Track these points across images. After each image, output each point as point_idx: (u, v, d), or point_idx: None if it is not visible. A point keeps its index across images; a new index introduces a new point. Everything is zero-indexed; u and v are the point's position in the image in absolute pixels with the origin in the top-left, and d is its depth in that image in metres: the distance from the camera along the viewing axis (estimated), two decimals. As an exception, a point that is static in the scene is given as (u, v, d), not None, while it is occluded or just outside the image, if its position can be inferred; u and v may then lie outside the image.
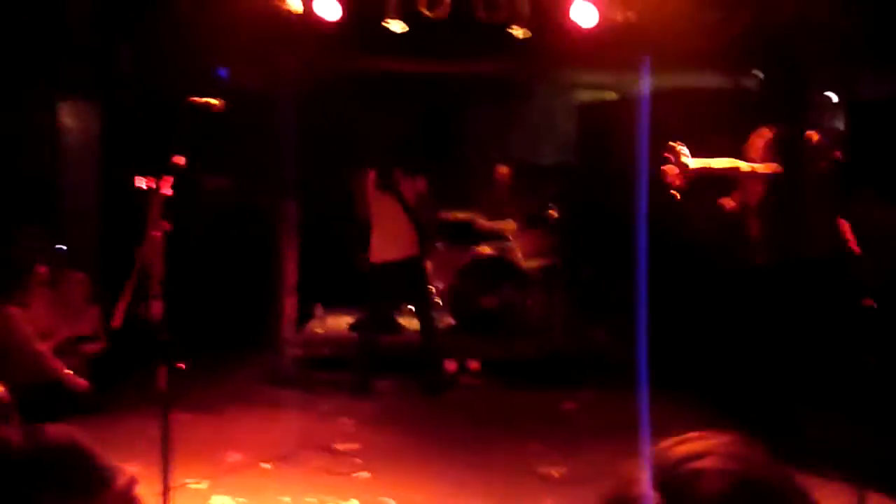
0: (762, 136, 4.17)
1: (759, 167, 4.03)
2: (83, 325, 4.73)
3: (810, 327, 4.24)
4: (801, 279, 3.97)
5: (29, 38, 5.24)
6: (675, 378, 4.52)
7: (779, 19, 5.78)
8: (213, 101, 2.82)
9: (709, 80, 6.83)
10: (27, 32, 5.24)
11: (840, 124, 6.22)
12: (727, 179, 4.31)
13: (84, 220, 5.66)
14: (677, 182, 3.79)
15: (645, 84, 5.72)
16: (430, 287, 6.88)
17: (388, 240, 5.24)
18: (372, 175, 5.35)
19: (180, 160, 2.66)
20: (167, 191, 2.60)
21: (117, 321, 3.01)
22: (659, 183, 4.38)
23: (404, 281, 5.35)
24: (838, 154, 3.65)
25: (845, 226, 3.09)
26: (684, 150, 3.83)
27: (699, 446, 0.83)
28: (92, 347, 4.74)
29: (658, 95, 6.78)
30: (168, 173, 2.63)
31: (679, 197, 4.00)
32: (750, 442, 0.84)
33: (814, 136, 3.68)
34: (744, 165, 4.05)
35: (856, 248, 3.00)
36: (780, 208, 4.07)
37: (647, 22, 5.70)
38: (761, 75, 6.72)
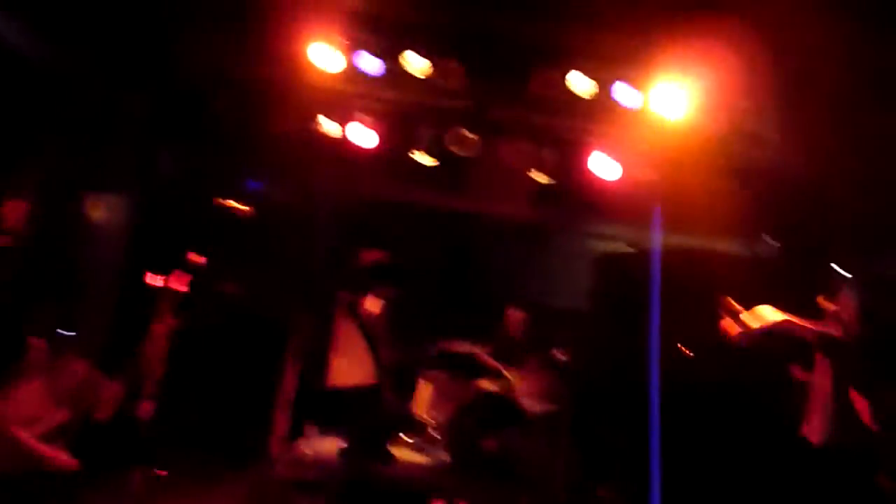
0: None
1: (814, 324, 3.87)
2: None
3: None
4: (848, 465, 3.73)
5: (79, 132, 5.51)
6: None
7: (795, 193, 5.96)
8: (240, 206, 2.88)
9: (727, 244, 6.94)
10: (79, 126, 5.51)
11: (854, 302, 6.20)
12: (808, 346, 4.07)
13: (98, 312, 5.66)
14: (738, 339, 3.71)
15: (656, 237, 5.84)
16: (424, 419, 6.68)
17: (346, 364, 5.07)
18: (341, 297, 5.28)
19: (199, 259, 2.68)
20: (181, 287, 2.60)
21: (105, 413, 2.92)
22: (669, 338, 4.34)
23: (357, 407, 5.10)
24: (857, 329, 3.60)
25: (863, 405, 2.99)
26: (736, 305, 3.79)
27: None
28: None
29: (675, 253, 6.91)
30: (184, 270, 2.65)
31: (690, 354, 3.95)
32: None
33: (829, 306, 3.66)
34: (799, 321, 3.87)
35: (874, 427, 2.89)
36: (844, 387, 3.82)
37: (666, 182, 5.91)
38: (775, 243, 6.82)
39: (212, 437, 5.61)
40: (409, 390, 6.97)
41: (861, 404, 3.03)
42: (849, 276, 6.33)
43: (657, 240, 6.77)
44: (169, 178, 6.05)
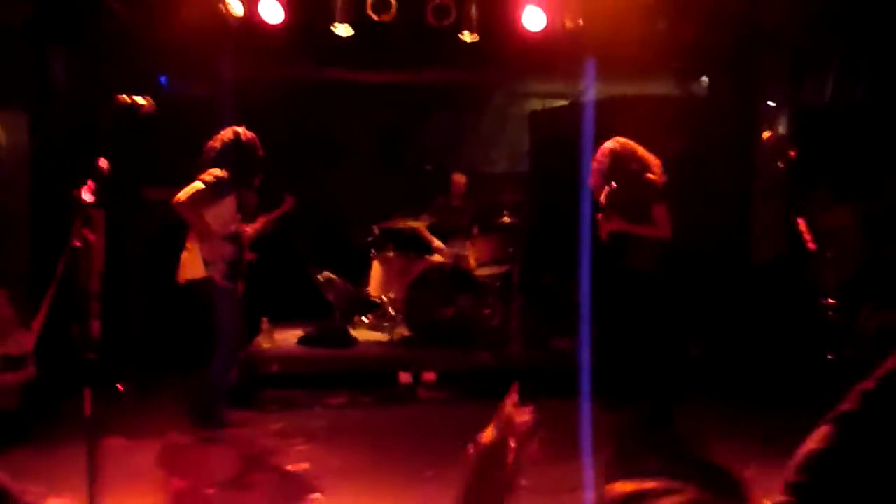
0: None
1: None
2: (11, 344, 4.42)
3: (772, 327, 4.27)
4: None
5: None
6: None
7: (726, 30, 5.86)
8: (140, 100, 2.63)
9: (659, 87, 6.90)
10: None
11: (783, 130, 6.34)
12: None
13: (12, 236, 5.34)
14: None
15: (589, 88, 5.74)
16: (380, 299, 6.73)
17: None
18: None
19: (103, 163, 2.46)
20: (88, 197, 2.40)
21: (28, 345, 2.79)
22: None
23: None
24: (793, 153, 3.67)
25: (802, 224, 3.08)
26: None
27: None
28: (23, 371, 4.43)
29: (608, 102, 6.85)
30: (91, 178, 2.43)
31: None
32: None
33: (768, 135, 3.70)
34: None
35: (812, 245, 2.99)
36: None
37: (595, 29, 5.71)
38: (705, 81, 6.81)
39: (166, 347, 5.54)
40: (362, 273, 6.98)
41: (801, 223, 3.14)
42: (773, 104, 6.43)
43: (589, 90, 6.66)
44: (64, 85, 5.55)
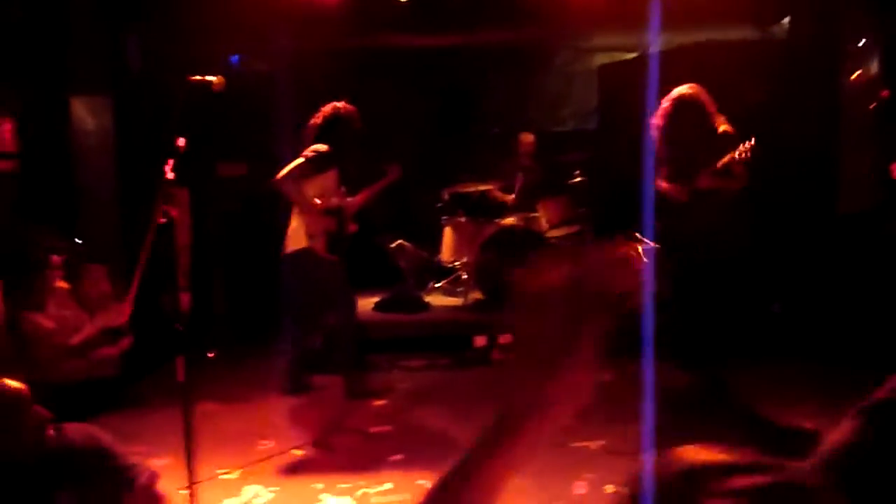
0: None
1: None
2: (111, 317, 4.71)
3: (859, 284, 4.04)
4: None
5: (33, 37, 5.18)
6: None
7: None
8: (211, 78, 2.71)
9: (736, 32, 6.55)
10: (30, 32, 5.18)
11: (875, 71, 5.93)
12: None
13: (103, 216, 5.64)
14: None
15: (655, 38, 5.49)
16: (452, 264, 6.77)
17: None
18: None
19: (181, 142, 2.56)
20: (169, 174, 2.50)
21: (124, 317, 2.95)
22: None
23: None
24: (885, 93, 3.42)
25: (895, 171, 2.90)
26: None
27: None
28: (122, 341, 4.72)
29: (680, 51, 6.56)
30: (169, 156, 2.53)
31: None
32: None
33: (857, 75, 3.46)
34: None
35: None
36: None
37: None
38: (787, 23, 6.41)
39: (249, 318, 5.76)
40: (435, 239, 7.03)
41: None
42: (863, 43, 6.00)
43: (654, 41, 6.39)
44: (141, 68, 5.77)
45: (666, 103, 4.26)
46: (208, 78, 2.70)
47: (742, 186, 4.07)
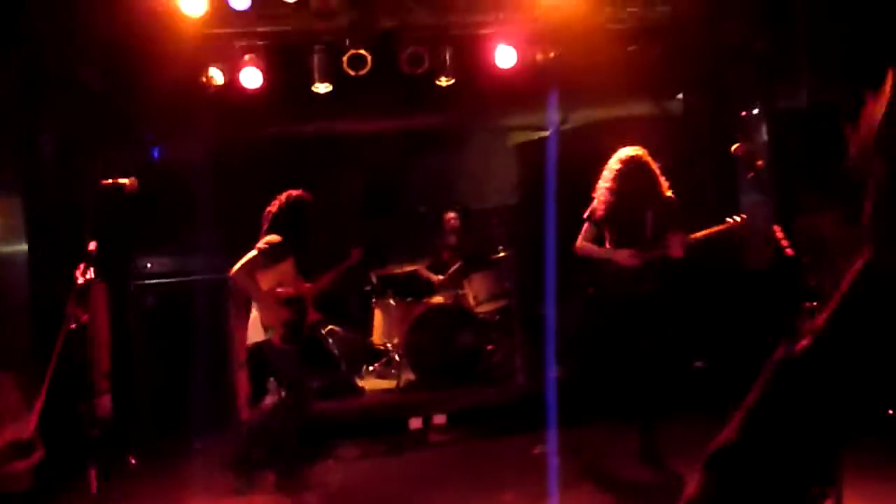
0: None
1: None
2: (20, 428, 4.43)
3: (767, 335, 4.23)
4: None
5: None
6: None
7: (691, 47, 6.00)
8: (124, 181, 2.71)
9: (638, 108, 7.01)
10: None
11: (764, 136, 6.42)
12: None
13: (13, 321, 5.38)
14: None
15: (554, 118, 5.83)
16: (384, 346, 6.74)
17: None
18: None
19: (92, 246, 2.53)
20: (80, 279, 2.46)
21: (30, 428, 2.81)
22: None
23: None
24: (760, 162, 3.73)
25: (778, 231, 3.13)
26: None
27: None
28: (33, 455, 4.44)
29: (589, 127, 6.96)
30: (83, 260, 2.50)
31: None
32: None
33: (737, 146, 3.76)
34: None
35: (790, 252, 3.04)
36: None
37: (566, 59, 5.85)
38: (680, 98, 6.93)
39: (176, 415, 5.53)
40: (365, 322, 7.00)
41: (777, 231, 3.19)
42: (755, 113, 6.52)
43: (554, 120, 6.78)
44: (54, 166, 5.66)
45: (617, 164, 4.26)
46: (121, 181, 2.71)
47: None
